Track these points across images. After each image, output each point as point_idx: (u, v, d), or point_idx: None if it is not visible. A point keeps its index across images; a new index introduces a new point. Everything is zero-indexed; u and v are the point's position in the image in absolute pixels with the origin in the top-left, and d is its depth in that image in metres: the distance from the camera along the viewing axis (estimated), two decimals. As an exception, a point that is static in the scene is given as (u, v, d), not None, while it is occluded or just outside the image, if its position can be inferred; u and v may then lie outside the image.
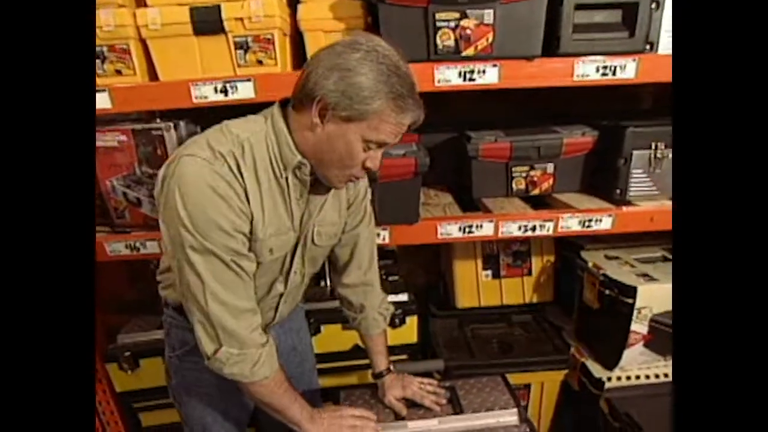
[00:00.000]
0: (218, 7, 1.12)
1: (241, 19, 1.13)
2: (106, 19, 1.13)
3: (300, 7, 1.19)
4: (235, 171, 0.78)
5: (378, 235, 1.31)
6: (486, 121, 1.55)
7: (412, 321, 1.59)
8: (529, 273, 1.73)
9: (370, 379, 1.22)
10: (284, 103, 0.86)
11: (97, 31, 1.13)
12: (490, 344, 1.63)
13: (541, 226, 1.34)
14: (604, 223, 1.34)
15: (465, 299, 1.74)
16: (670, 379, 1.42)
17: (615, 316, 1.38)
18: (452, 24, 1.13)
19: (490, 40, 1.15)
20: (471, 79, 1.17)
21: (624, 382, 1.42)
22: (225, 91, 1.16)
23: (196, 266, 0.79)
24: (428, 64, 1.15)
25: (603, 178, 1.44)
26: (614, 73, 1.17)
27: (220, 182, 0.76)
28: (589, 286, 1.49)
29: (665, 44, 1.20)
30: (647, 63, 1.17)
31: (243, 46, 1.17)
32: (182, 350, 1.01)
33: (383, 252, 1.70)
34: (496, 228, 1.34)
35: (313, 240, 0.96)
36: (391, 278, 1.71)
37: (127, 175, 1.30)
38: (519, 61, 1.17)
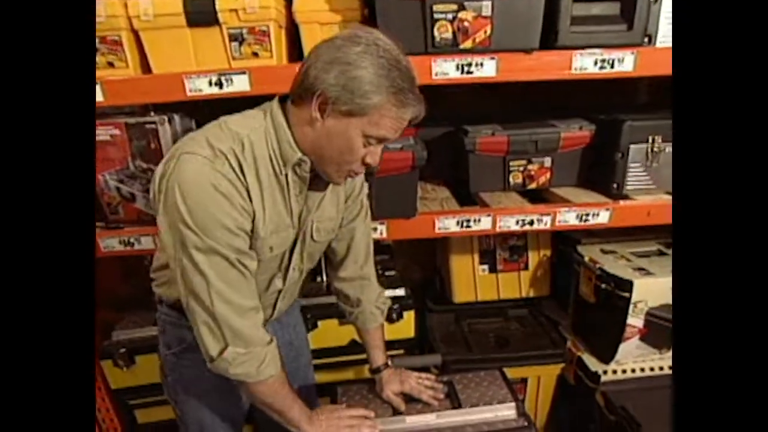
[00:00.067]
0: (212, -3, 1.10)
1: (236, 11, 1.11)
2: (97, 9, 1.10)
3: (295, -1, 1.17)
4: (237, 169, 0.78)
5: (375, 229, 1.31)
6: (483, 115, 1.55)
7: (409, 316, 1.58)
8: (526, 267, 1.73)
9: (367, 374, 1.22)
10: (283, 99, 0.85)
11: (89, 22, 1.11)
12: (486, 339, 1.63)
13: (538, 220, 1.34)
14: (602, 217, 1.34)
15: (462, 294, 1.74)
16: (665, 372, 1.43)
17: (611, 310, 1.38)
18: (450, 16, 1.12)
19: (488, 32, 1.14)
20: (469, 72, 1.16)
21: (620, 376, 1.43)
22: (220, 84, 1.14)
23: (200, 266, 0.78)
24: (426, 57, 1.14)
25: (600, 172, 1.44)
26: (612, 67, 1.17)
27: (221, 180, 0.76)
28: (585, 280, 1.50)
29: (663, 37, 1.20)
30: (645, 56, 1.17)
31: (238, 38, 1.15)
32: (179, 348, 1.00)
33: (379, 247, 1.69)
34: (494, 222, 1.34)
35: (312, 236, 0.95)
36: (387, 273, 1.71)
37: (121, 170, 1.28)
38: (517, 54, 1.16)
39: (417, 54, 1.13)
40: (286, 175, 0.84)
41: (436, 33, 1.13)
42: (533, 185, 1.49)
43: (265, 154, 0.81)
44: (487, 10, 1.11)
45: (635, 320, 1.36)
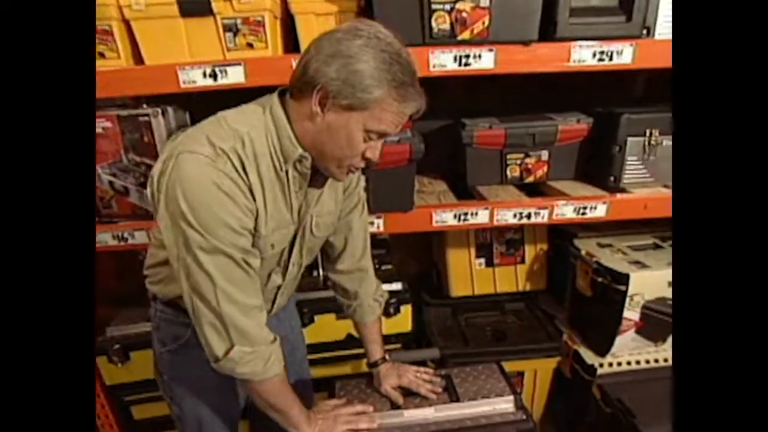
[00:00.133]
0: (206, -13, 1.08)
1: (230, 1, 1.09)
2: (87, -2, 1.08)
3: (291, -11, 1.15)
4: (239, 168, 0.76)
5: (372, 223, 1.30)
6: (480, 109, 1.54)
7: (406, 310, 1.58)
8: (523, 261, 1.73)
9: (365, 368, 1.22)
10: (281, 93, 0.83)
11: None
12: (483, 332, 1.63)
13: (536, 213, 1.34)
14: (599, 211, 1.34)
15: (458, 288, 1.74)
16: (660, 364, 1.44)
17: (608, 304, 1.39)
18: (448, 7, 1.10)
19: (486, 23, 1.13)
20: (466, 64, 1.15)
21: (615, 368, 1.44)
22: (214, 76, 1.12)
23: (205, 266, 0.77)
24: (423, 48, 1.13)
25: (597, 166, 1.44)
26: (611, 59, 1.16)
27: (224, 180, 0.74)
28: (581, 273, 1.50)
29: (661, 29, 1.20)
30: (644, 48, 1.16)
31: (232, 29, 1.13)
32: (175, 345, 0.98)
33: (376, 241, 1.68)
34: (492, 215, 1.33)
35: (311, 231, 0.94)
36: (384, 267, 1.70)
37: (113, 163, 1.26)
38: (515, 46, 1.15)
39: (414, 45, 1.11)
40: (287, 172, 0.83)
41: (433, 24, 1.12)
42: (530, 179, 1.48)
43: (266, 151, 0.80)
44: (485, 1, 1.10)
45: (631, 313, 1.36)
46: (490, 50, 1.14)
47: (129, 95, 1.28)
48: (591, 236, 1.59)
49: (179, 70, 1.12)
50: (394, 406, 1.11)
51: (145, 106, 1.23)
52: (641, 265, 1.38)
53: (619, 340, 1.40)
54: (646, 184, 1.40)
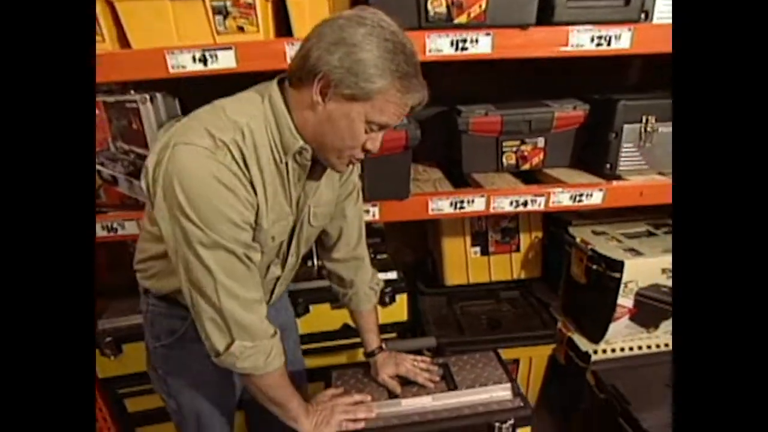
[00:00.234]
0: (193, -33, 1.04)
1: (219, -19, 1.05)
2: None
3: (282, -30, 1.11)
4: (239, 160, 0.74)
5: (367, 211, 1.28)
6: (476, 95, 1.52)
7: (402, 299, 1.58)
8: (518, 249, 1.73)
9: (361, 357, 1.21)
10: (280, 80, 0.81)
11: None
12: (479, 321, 1.64)
13: (532, 201, 1.33)
14: (595, 198, 1.34)
15: (454, 276, 1.73)
16: (653, 350, 1.46)
17: (602, 291, 1.39)
18: (444, -11, 1.08)
19: (484, 7, 1.10)
20: (463, 49, 1.12)
21: (609, 355, 1.45)
22: (204, 60, 1.08)
23: (205, 261, 0.75)
24: (419, 33, 1.10)
25: (593, 153, 1.43)
26: (609, 44, 1.15)
27: (225, 173, 0.72)
28: (576, 261, 1.50)
29: (660, 13, 1.18)
30: (642, 32, 1.15)
31: (222, 12, 1.09)
32: (170, 339, 0.96)
33: (370, 230, 1.67)
34: (488, 203, 1.32)
35: (309, 221, 0.93)
36: (379, 257, 1.69)
37: (101, 151, 1.23)
38: (512, 30, 1.13)
39: (410, 29, 1.08)
40: (286, 164, 0.81)
41: (429, 7, 1.09)
42: (526, 166, 1.47)
43: (266, 143, 0.77)
44: (482, -17, 1.08)
45: (625, 300, 1.37)
46: (488, 34, 1.12)
47: (115, 81, 1.24)
48: (585, 224, 1.59)
49: (167, 54, 1.08)
50: (392, 395, 1.11)
51: (132, 92, 1.19)
52: (635, 252, 1.38)
53: (613, 327, 1.41)
54: (642, 171, 1.39)
